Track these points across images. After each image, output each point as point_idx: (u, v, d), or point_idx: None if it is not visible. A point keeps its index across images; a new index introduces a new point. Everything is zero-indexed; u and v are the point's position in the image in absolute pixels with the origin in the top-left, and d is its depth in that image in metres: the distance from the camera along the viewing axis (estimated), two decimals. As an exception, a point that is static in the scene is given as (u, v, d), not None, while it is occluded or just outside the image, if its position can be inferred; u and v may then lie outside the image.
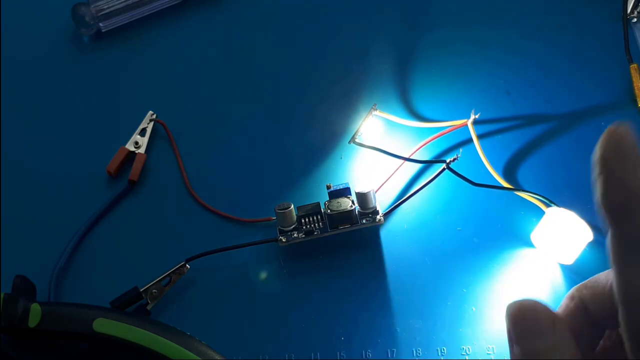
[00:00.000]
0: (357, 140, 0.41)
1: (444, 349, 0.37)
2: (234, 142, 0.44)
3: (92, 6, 0.45)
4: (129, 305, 0.37)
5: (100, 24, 0.46)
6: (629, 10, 0.46)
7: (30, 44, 0.47)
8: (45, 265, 0.39)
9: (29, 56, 0.47)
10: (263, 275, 0.39)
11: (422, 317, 0.38)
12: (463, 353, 0.37)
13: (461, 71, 0.45)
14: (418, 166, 0.42)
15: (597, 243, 0.38)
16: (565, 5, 0.47)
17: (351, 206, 0.38)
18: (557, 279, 0.39)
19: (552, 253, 0.38)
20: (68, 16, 0.46)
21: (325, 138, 0.43)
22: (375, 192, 0.39)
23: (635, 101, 0.43)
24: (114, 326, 0.35)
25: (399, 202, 0.40)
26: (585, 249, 0.38)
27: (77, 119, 0.44)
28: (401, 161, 0.40)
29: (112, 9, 0.46)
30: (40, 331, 0.35)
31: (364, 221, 0.39)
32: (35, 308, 0.35)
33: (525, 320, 0.24)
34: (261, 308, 0.38)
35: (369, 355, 0.37)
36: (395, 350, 0.37)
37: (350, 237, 0.39)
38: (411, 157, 0.41)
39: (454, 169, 0.38)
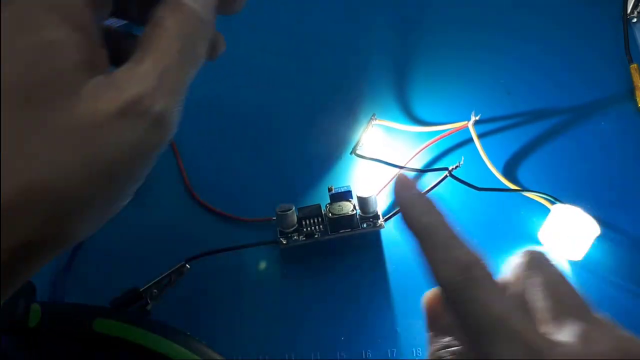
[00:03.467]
0: (358, 151, 0.41)
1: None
2: (233, 142, 0.43)
3: (92, 6, 0.45)
4: (129, 305, 0.37)
5: (101, 24, 0.46)
6: (629, 10, 0.46)
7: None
8: (45, 265, 0.39)
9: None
10: (263, 275, 0.39)
11: (422, 317, 0.38)
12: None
13: (461, 72, 0.45)
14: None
15: (605, 237, 0.38)
16: (565, 6, 0.47)
17: (352, 210, 0.38)
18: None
19: (560, 250, 0.38)
20: (68, 16, 0.46)
21: (326, 139, 0.43)
22: (376, 195, 0.39)
23: (635, 101, 0.43)
24: (114, 326, 0.35)
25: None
26: (593, 244, 0.37)
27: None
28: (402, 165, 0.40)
29: (112, 9, 0.46)
30: (40, 331, 0.34)
31: (364, 225, 0.38)
32: (35, 308, 0.35)
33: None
34: (261, 308, 0.38)
35: (368, 355, 0.37)
36: (395, 350, 0.37)
37: (351, 239, 0.39)
38: (414, 167, 0.41)
39: (456, 172, 0.38)
